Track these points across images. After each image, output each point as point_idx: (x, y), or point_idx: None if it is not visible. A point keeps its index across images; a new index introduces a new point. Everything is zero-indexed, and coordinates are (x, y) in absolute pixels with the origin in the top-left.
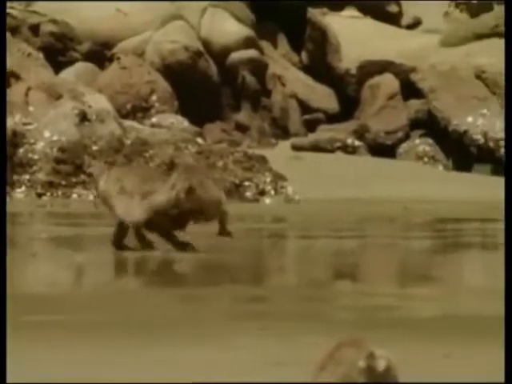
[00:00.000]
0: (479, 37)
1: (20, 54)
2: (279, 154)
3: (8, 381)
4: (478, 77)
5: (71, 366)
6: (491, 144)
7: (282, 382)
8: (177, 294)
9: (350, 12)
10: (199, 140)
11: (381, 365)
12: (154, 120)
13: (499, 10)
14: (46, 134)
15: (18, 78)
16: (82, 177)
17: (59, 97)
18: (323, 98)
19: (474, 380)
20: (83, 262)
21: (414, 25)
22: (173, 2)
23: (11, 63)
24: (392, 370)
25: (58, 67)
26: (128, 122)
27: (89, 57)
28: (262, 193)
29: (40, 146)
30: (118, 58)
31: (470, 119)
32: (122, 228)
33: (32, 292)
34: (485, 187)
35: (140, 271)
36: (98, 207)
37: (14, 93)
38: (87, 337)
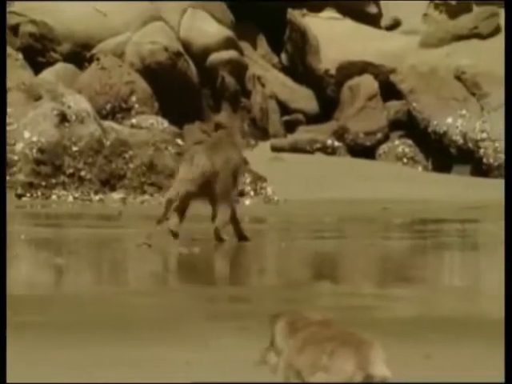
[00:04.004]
0: (458, 38)
1: None
2: (259, 154)
3: (8, 381)
4: (458, 78)
5: (53, 366)
6: (470, 145)
7: (262, 381)
8: (156, 294)
9: (330, 13)
10: (179, 141)
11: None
12: (133, 121)
13: (478, 12)
14: (26, 134)
15: None
16: (62, 178)
17: (39, 97)
18: (303, 98)
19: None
20: (63, 263)
21: (394, 26)
22: (152, 1)
23: None
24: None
25: (37, 68)
26: (107, 123)
27: (68, 57)
28: (242, 193)
29: (20, 146)
30: (98, 59)
31: (449, 120)
32: None
33: (11, 293)
34: (464, 188)
35: (119, 272)
36: None
37: None
38: (67, 337)
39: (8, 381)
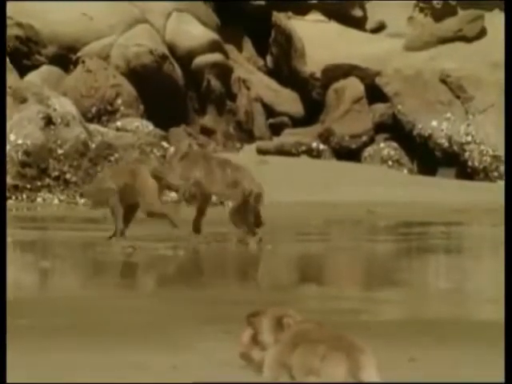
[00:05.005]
0: (443, 41)
1: None
2: (244, 157)
3: (8, 380)
4: (443, 81)
5: (37, 370)
6: (455, 148)
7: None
8: (142, 297)
9: (315, 16)
10: (164, 144)
11: None
12: (119, 124)
13: (463, 15)
14: (12, 137)
15: None
16: (47, 180)
17: (24, 100)
18: (288, 101)
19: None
20: (48, 266)
21: (379, 29)
22: (137, 3)
23: None
24: None
25: (23, 71)
26: (93, 126)
27: (54, 60)
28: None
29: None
30: (83, 62)
31: (434, 123)
32: None
33: None
34: (449, 191)
35: (105, 275)
36: None
37: None
38: (51, 341)
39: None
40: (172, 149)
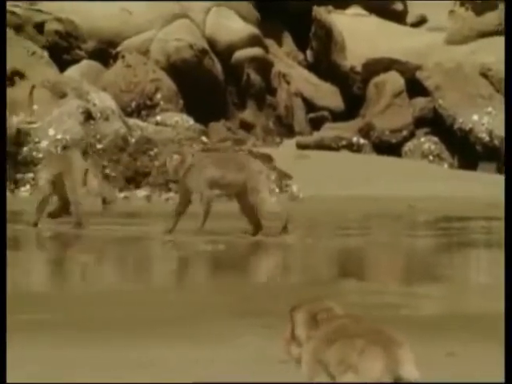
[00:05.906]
0: (484, 35)
1: (25, 53)
2: (284, 152)
3: (8, 380)
4: (483, 75)
5: (68, 366)
6: (496, 142)
7: (284, 380)
8: (177, 291)
9: (355, 10)
10: (204, 138)
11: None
12: (158, 118)
13: (504, 9)
14: (51, 132)
15: (22, 76)
16: None
17: (64, 95)
18: (328, 96)
19: (477, 379)
20: (87, 261)
21: (419, 23)
22: (178, 1)
23: (15, 62)
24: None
25: (62, 65)
26: (132, 121)
27: (93, 55)
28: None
29: (44, 144)
30: (123, 57)
31: (475, 117)
32: None
33: (33, 291)
34: (490, 185)
35: (143, 269)
36: None
37: (19, 91)
38: (90, 336)
39: (8, 381)
40: (175, 157)
